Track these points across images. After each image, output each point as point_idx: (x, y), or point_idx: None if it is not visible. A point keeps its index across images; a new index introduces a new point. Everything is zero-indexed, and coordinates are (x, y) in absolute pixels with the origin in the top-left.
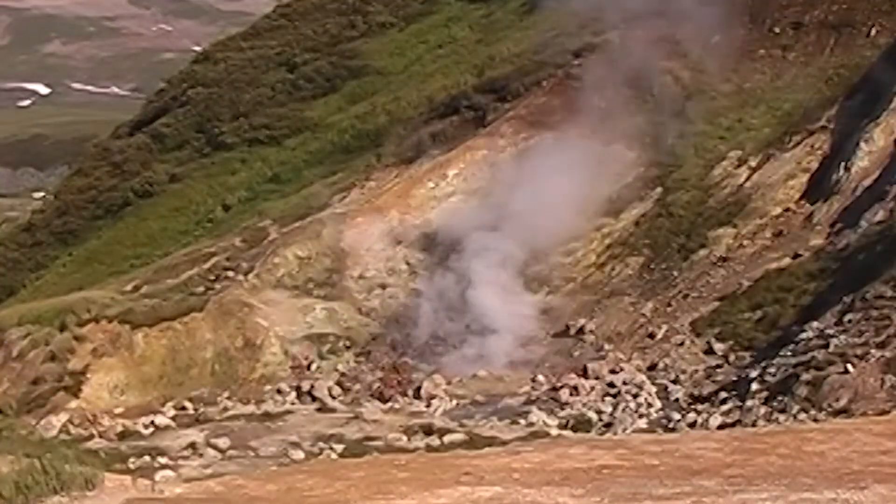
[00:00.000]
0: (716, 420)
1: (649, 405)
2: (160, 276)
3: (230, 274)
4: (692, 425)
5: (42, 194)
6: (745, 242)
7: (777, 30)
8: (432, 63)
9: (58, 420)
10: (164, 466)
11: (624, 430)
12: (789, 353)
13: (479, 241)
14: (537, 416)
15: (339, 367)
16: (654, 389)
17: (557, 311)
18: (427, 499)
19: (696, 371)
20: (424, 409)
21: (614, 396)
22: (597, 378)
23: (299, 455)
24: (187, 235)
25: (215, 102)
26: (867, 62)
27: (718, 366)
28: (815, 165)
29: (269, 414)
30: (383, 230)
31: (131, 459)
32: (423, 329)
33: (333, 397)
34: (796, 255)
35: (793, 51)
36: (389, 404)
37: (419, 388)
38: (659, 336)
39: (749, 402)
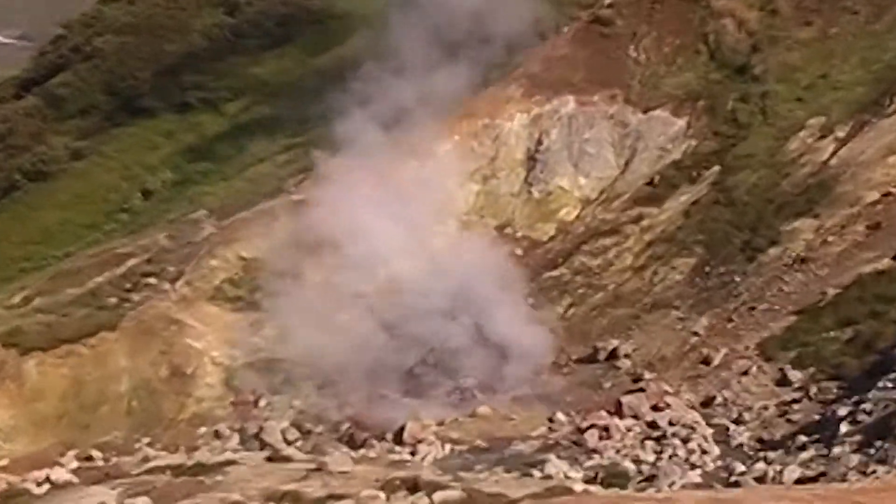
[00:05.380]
0: (793, 472)
1: (704, 452)
2: (59, 285)
3: (152, 281)
4: (761, 479)
5: None
6: (831, 238)
7: None
8: None
9: None
10: None
11: (671, 484)
12: (889, 385)
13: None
14: (556, 466)
15: (296, 402)
16: (709, 431)
17: (582, 328)
18: None
19: (767, 407)
20: (408, 457)
21: (658, 441)
22: (635, 417)
23: None
24: (95, 230)
25: (130, 55)
26: None
27: (795, 400)
28: None
29: (203, 465)
30: (355, 221)
31: None
32: (406, 352)
33: (288, 442)
34: None
35: None
36: (362, 451)
37: (401, 430)
38: (716, 362)
39: (837, 450)
